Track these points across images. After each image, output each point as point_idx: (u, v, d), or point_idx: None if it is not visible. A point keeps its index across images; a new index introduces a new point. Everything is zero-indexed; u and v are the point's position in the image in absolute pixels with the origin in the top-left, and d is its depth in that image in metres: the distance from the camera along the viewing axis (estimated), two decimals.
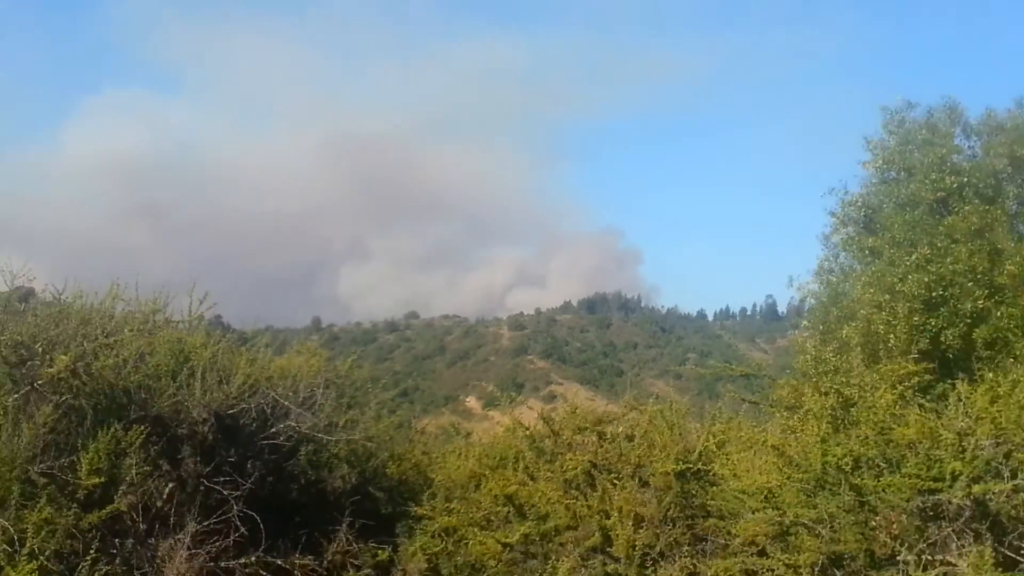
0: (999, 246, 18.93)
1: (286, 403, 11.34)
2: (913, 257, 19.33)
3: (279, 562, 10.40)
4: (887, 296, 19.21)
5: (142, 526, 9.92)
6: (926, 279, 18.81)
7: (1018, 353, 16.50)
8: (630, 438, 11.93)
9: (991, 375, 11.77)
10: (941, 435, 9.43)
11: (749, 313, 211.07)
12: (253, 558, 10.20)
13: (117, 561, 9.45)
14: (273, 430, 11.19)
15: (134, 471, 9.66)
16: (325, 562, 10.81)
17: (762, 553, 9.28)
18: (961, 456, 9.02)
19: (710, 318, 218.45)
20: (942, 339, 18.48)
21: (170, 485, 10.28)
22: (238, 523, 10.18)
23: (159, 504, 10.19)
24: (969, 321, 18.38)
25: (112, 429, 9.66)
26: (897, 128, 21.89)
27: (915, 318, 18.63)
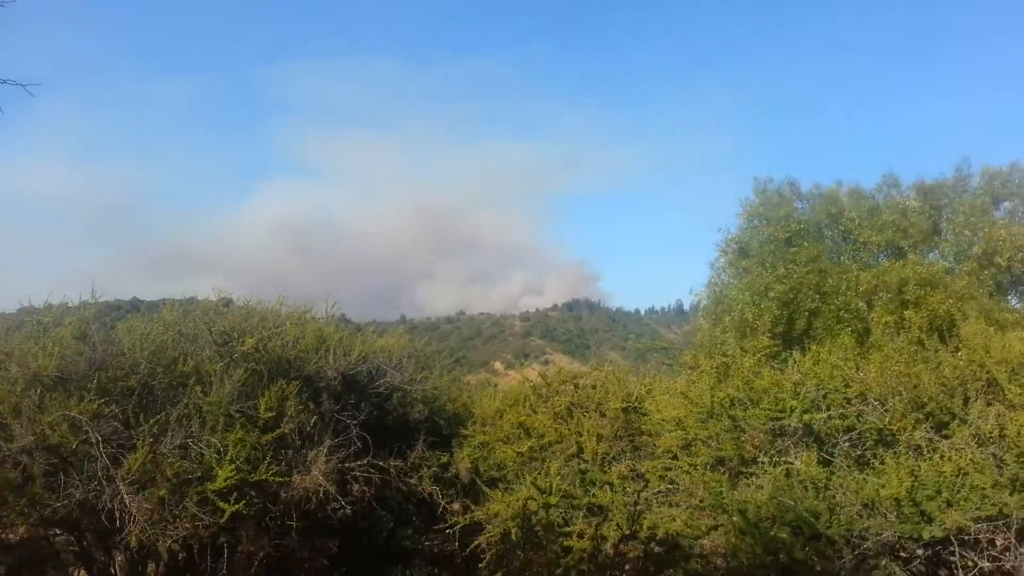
0: (823, 268, 18.97)
1: (385, 367, 11.35)
2: (773, 274, 19.35)
3: (381, 464, 10.41)
4: (756, 297, 19.23)
5: (298, 442, 9.93)
6: (781, 288, 18.84)
7: (835, 335, 16.55)
8: (594, 387, 11.93)
9: (815, 347, 11.88)
10: (784, 384, 9.54)
11: (666, 310, 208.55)
12: (365, 461, 10.20)
13: (282, 464, 9.45)
14: (377, 383, 11.21)
15: (292, 409, 9.67)
16: (408, 463, 10.83)
17: (675, 457, 9.32)
18: (796, 397, 9.11)
19: (643, 313, 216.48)
20: (792, 326, 18.49)
21: (314, 417, 10.25)
22: (356, 440, 10.20)
23: (307, 429, 10.15)
24: (807, 314, 18.39)
25: (279, 384, 9.74)
26: (761, 193, 21.96)
27: (774, 312, 18.66)
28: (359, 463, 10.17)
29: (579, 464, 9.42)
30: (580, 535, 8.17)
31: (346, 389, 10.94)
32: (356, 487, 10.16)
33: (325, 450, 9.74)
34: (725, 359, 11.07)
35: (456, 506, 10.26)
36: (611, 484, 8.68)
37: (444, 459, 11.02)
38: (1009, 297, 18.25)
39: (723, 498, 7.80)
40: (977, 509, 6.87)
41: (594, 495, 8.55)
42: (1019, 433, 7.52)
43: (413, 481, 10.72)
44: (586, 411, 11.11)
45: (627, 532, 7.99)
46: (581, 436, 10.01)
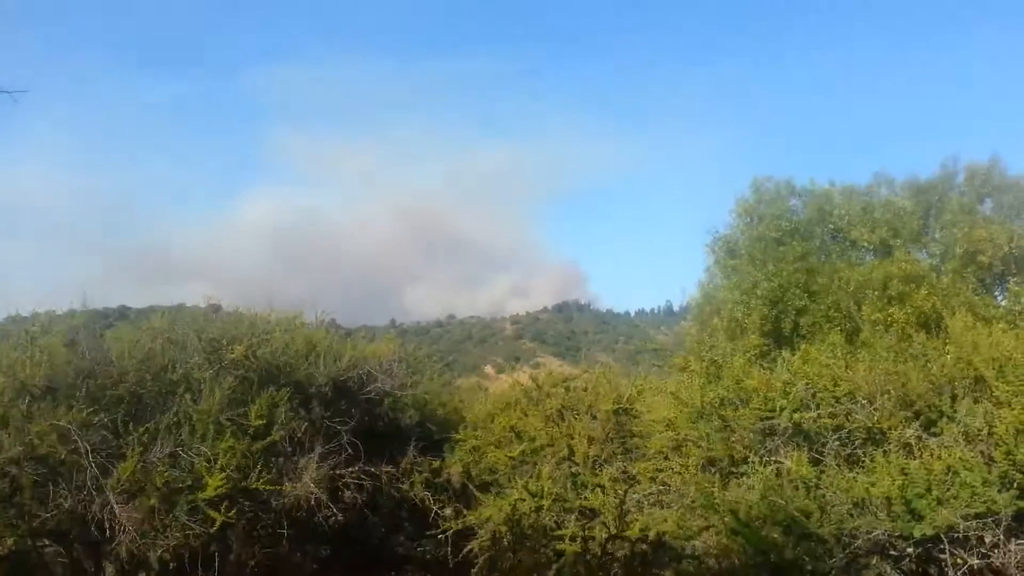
0: (811, 267, 19.08)
1: (375, 372, 11.30)
2: (763, 272, 19.41)
3: (372, 470, 10.39)
4: (745, 296, 19.27)
5: (288, 449, 9.90)
6: (769, 285, 18.90)
7: (824, 334, 16.65)
8: (585, 389, 11.93)
9: (804, 346, 11.94)
10: (773, 384, 9.57)
11: (656, 311, 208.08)
12: (356, 468, 10.19)
13: (273, 471, 9.42)
14: (368, 389, 11.17)
15: (283, 416, 9.63)
16: (400, 469, 10.81)
17: (666, 458, 9.38)
18: (786, 396, 9.15)
19: (632, 314, 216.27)
20: (780, 325, 18.57)
21: (305, 424, 10.20)
22: (347, 447, 10.19)
23: (298, 436, 10.12)
24: (795, 313, 18.48)
25: (269, 391, 9.71)
26: (757, 190, 21.93)
27: (763, 310, 18.72)
28: (350, 470, 10.15)
29: (570, 467, 9.43)
30: (572, 538, 8.19)
31: (336, 395, 10.92)
32: (347, 494, 10.14)
33: (316, 457, 9.73)
34: (715, 359, 11.11)
35: (448, 511, 10.24)
36: (602, 486, 8.70)
37: (435, 464, 11.00)
38: (995, 294, 18.42)
39: (714, 498, 7.83)
40: (967, 507, 6.93)
41: (585, 498, 8.58)
42: (1007, 430, 7.59)
43: (404, 487, 10.71)
44: (577, 414, 11.10)
45: (617, 533, 8.01)
46: (572, 439, 10.02)
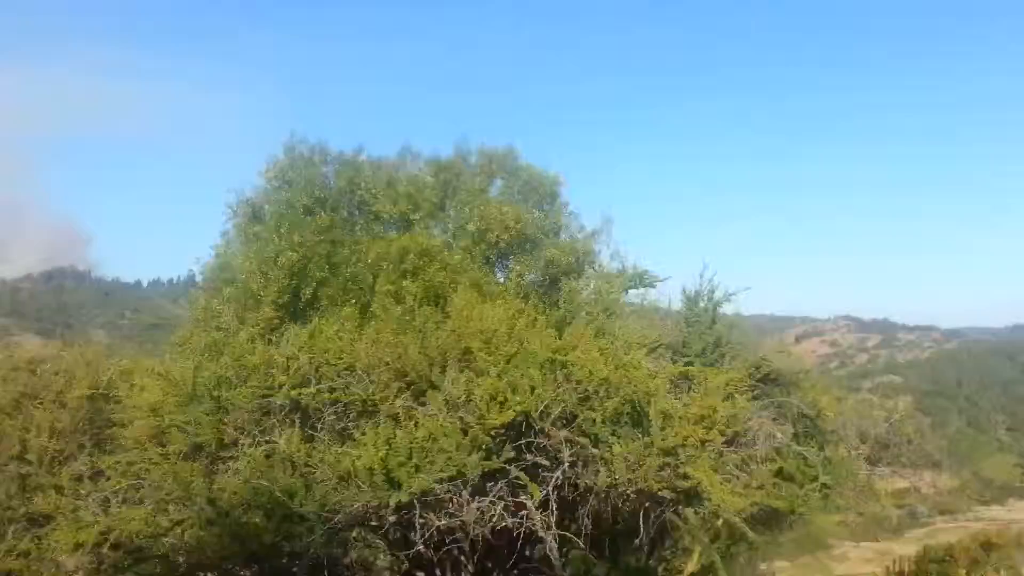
0: (336, 239, 19.97)
1: None
2: (287, 242, 19.66)
3: None
4: (264, 266, 19.34)
5: None
6: (293, 256, 19.24)
7: (340, 307, 17.58)
8: (56, 373, 10.88)
9: (315, 320, 12.46)
10: (276, 360, 9.81)
11: (176, 281, 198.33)
12: None
13: None
14: None
15: None
16: None
17: (144, 448, 8.97)
18: (287, 372, 9.45)
19: (145, 285, 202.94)
20: (299, 297, 19.03)
21: None
22: None
23: None
24: (315, 284, 19.14)
25: None
26: (290, 152, 21.88)
27: (284, 282, 18.99)
28: None
29: (20, 468, 8.46)
30: (16, 553, 7.36)
31: None
32: None
33: None
34: (219, 334, 10.97)
35: None
36: (60, 487, 7.98)
37: None
38: (497, 271, 21.57)
39: (192, 489, 7.73)
40: (441, 472, 8.01)
41: (36, 503, 7.77)
42: (482, 397, 8.96)
43: None
44: (41, 402, 10.04)
45: (77, 541, 7.44)
46: (28, 433, 9.01)
